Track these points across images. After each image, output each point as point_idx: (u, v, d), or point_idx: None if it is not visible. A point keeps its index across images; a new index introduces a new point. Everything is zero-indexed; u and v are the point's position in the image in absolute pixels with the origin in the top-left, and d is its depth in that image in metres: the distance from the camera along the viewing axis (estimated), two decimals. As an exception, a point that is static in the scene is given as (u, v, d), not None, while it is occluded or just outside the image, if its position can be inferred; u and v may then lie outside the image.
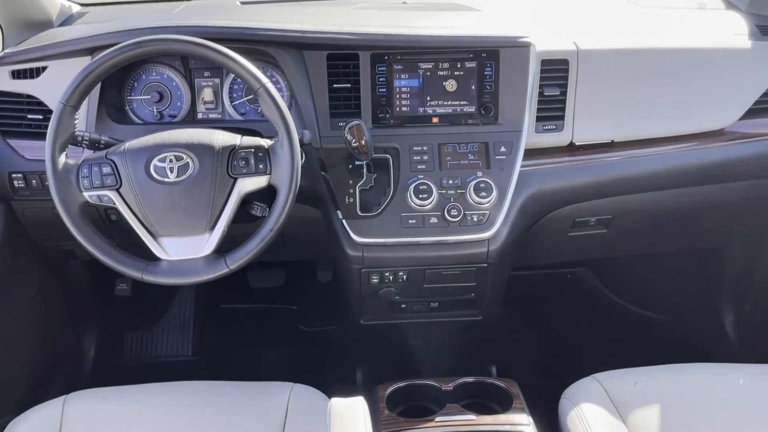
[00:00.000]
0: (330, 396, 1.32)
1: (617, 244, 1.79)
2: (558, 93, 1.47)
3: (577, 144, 1.50)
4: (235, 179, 1.24)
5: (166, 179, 1.22)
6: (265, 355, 2.23)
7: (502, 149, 1.45)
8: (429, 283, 1.53)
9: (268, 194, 1.28)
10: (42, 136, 1.28)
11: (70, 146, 1.28)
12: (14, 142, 1.52)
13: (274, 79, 1.50)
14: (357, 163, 1.44)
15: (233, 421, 1.26)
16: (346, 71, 1.45)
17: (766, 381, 1.35)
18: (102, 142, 1.33)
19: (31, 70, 1.50)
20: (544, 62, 1.46)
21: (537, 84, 1.46)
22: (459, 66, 1.47)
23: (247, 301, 2.41)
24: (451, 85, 1.47)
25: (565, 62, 1.47)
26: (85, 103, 1.30)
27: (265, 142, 1.28)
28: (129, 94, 1.53)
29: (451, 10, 1.72)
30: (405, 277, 1.51)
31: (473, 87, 1.47)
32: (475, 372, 1.54)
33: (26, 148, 1.51)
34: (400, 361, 1.79)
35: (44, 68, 1.49)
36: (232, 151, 1.25)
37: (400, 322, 1.68)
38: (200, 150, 1.24)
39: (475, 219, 1.41)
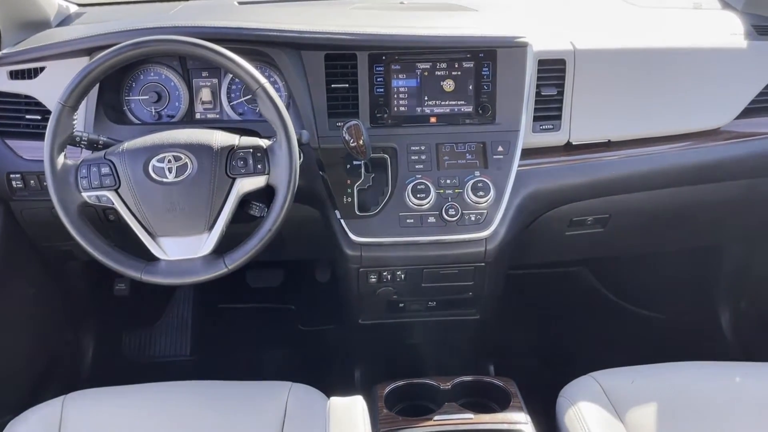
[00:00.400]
0: (329, 395, 1.33)
1: (614, 243, 1.79)
2: (555, 93, 1.48)
3: (574, 143, 1.51)
4: (234, 179, 1.25)
5: (164, 179, 1.23)
6: (263, 355, 2.23)
7: (500, 149, 1.45)
8: (427, 283, 1.53)
9: (266, 194, 1.28)
10: (40, 137, 1.28)
11: (68, 147, 1.28)
12: (12, 143, 1.52)
13: (272, 79, 1.51)
14: (355, 162, 1.44)
15: (232, 421, 1.26)
16: (344, 71, 1.46)
17: (762, 379, 1.35)
18: (100, 142, 1.33)
19: (29, 70, 1.50)
20: (541, 62, 1.46)
21: (534, 84, 1.47)
22: (456, 66, 1.47)
23: (246, 300, 2.41)
24: (448, 85, 1.48)
25: (562, 62, 1.47)
26: (83, 103, 1.30)
27: (264, 143, 1.28)
28: (127, 95, 1.53)
29: (448, 10, 1.72)
30: (403, 276, 1.51)
31: (471, 87, 1.48)
32: (473, 371, 1.54)
33: (24, 148, 1.51)
34: (398, 360, 1.79)
35: (42, 69, 1.49)
36: (230, 151, 1.25)
37: (398, 321, 1.68)
38: (199, 150, 1.25)
39: (473, 218, 1.42)
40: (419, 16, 1.66)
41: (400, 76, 1.47)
